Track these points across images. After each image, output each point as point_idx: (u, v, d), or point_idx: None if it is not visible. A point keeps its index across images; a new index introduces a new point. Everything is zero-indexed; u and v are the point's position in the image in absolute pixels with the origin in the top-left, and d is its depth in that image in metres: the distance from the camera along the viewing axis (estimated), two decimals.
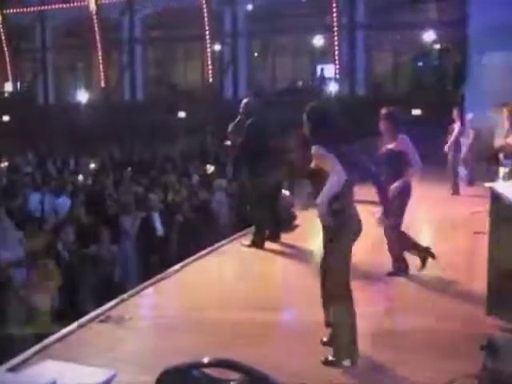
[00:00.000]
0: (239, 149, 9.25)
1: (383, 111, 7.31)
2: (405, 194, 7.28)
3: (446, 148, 13.81)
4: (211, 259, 8.76)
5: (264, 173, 8.86)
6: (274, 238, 9.39)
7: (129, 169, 17.73)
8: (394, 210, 7.00)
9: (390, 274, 7.48)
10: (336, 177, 4.77)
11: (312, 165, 5.00)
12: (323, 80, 27.92)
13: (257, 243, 9.13)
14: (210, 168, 18.51)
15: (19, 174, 17.02)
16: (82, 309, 7.66)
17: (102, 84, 31.34)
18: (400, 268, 7.48)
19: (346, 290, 4.98)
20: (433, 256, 7.48)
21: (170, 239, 11.44)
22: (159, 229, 11.57)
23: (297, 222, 10.77)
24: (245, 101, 9.31)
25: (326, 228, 5.00)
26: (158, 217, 11.67)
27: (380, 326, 5.92)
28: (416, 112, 23.39)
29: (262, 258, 8.84)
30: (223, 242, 9.76)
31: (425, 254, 7.49)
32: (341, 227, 4.92)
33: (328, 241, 5.01)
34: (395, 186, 7.11)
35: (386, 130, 7.30)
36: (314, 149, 4.91)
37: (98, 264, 9.66)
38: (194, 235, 11.76)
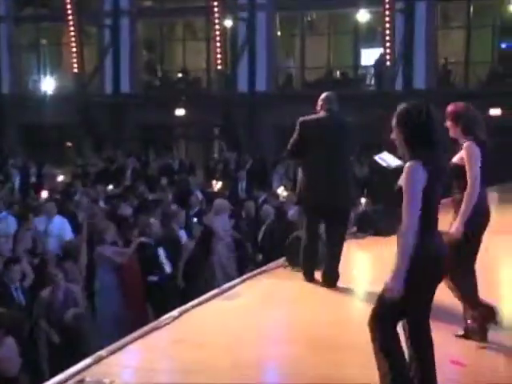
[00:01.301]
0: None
1: (449, 108, 6.99)
2: (473, 225, 6.72)
3: None
4: (218, 304, 8.73)
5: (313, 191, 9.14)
6: (329, 282, 9.39)
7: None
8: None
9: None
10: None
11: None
12: (382, 68, 27.83)
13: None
14: (218, 183, 18.60)
15: None
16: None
17: (75, 69, 31.49)
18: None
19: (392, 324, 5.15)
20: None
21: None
22: (165, 262, 11.87)
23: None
24: (323, 96, 9.45)
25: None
26: (163, 249, 11.90)
27: None
28: (495, 112, 23.32)
29: (286, 301, 8.87)
30: (236, 281, 9.79)
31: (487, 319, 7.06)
32: (421, 267, 5.03)
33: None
34: (456, 226, 6.67)
35: (455, 135, 6.93)
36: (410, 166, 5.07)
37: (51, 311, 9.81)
38: (196, 273, 11.85)
